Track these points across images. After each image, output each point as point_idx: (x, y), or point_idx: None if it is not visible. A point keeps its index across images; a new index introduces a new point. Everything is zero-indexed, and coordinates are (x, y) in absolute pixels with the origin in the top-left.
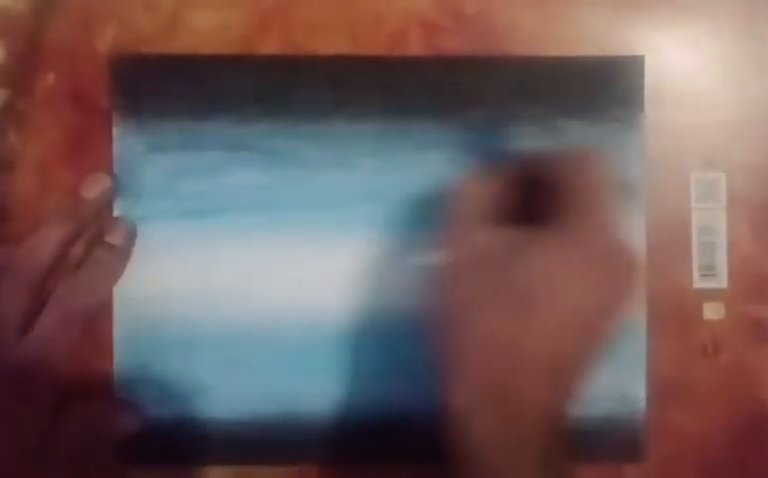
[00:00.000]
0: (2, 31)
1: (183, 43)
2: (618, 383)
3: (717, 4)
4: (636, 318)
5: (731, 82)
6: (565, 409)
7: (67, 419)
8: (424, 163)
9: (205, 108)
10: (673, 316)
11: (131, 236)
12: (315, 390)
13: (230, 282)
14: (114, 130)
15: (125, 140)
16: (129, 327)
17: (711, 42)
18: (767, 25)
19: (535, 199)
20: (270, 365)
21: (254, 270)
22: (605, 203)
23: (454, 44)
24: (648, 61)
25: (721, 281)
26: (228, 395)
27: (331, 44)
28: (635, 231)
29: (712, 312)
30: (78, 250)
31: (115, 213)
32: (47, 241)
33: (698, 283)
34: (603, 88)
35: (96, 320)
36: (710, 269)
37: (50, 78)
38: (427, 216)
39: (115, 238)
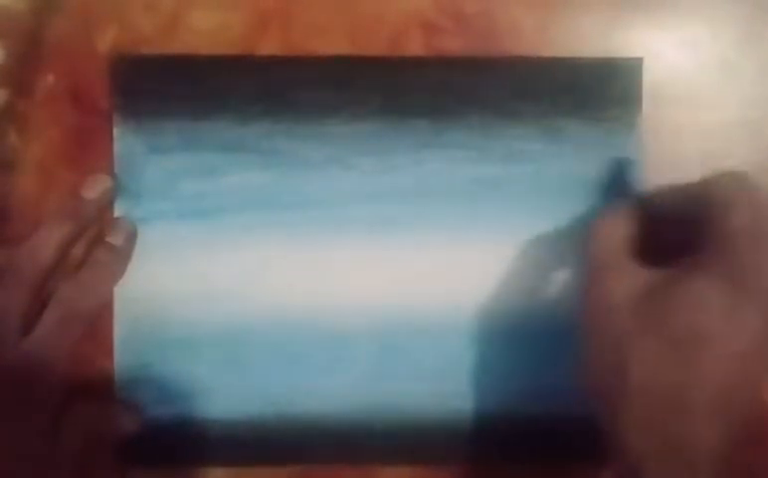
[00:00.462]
0: (2, 31)
1: (183, 43)
2: None
3: (717, 5)
4: None
5: (731, 82)
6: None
7: (67, 420)
8: (424, 163)
9: (205, 108)
10: None
11: (132, 236)
12: (315, 390)
13: (230, 282)
14: (114, 130)
15: (125, 141)
16: (130, 327)
17: (711, 42)
18: (767, 25)
19: (677, 235)
20: (270, 365)
21: (254, 270)
22: (759, 232)
23: (454, 44)
24: (647, 61)
25: None
26: (228, 395)
27: (331, 44)
28: None
29: None
30: (78, 250)
31: (116, 213)
32: (47, 241)
33: None
34: (602, 89)
35: (97, 320)
36: None
37: (50, 78)
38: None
39: (116, 238)
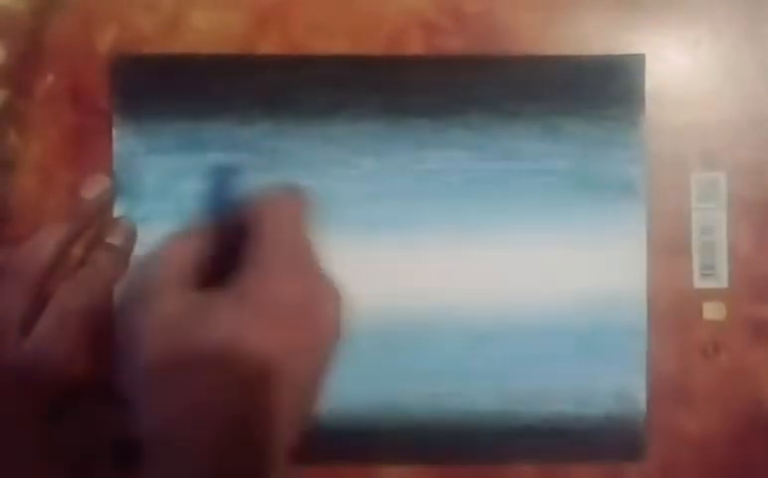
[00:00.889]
0: (2, 31)
1: (183, 43)
2: (618, 383)
3: (718, 4)
4: (636, 318)
5: (731, 82)
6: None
7: (67, 420)
8: (424, 163)
9: (205, 108)
10: (674, 316)
11: (132, 236)
12: None
13: None
14: (114, 131)
15: (125, 141)
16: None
17: (712, 42)
18: (767, 25)
19: (234, 253)
20: None
21: None
22: (297, 246)
23: (454, 44)
24: (648, 61)
25: (722, 281)
26: None
27: (331, 44)
28: (635, 231)
29: (712, 312)
30: (78, 251)
31: (116, 213)
32: (47, 241)
33: (699, 283)
34: (603, 87)
35: (97, 320)
36: (711, 269)
37: (50, 78)
38: None
39: (116, 238)
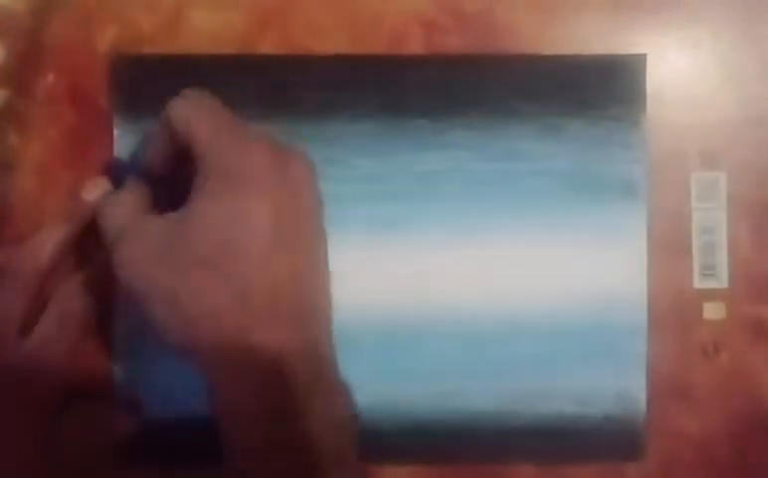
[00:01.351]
0: (2, 31)
1: (183, 43)
2: (618, 383)
3: (718, 4)
4: (636, 318)
5: (731, 82)
6: None
7: (67, 420)
8: (424, 163)
9: None
10: (674, 316)
11: None
12: None
13: None
14: (114, 131)
15: (125, 140)
16: (129, 327)
17: (712, 42)
18: (767, 26)
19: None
20: None
21: None
22: (236, 126)
23: (454, 44)
24: (649, 61)
25: (722, 281)
26: None
27: (331, 44)
28: (635, 231)
29: (713, 312)
30: (78, 251)
31: None
32: (47, 242)
33: (699, 283)
34: (604, 86)
35: (97, 320)
36: (711, 269)
37: (50, 78)
38: None
39: None
